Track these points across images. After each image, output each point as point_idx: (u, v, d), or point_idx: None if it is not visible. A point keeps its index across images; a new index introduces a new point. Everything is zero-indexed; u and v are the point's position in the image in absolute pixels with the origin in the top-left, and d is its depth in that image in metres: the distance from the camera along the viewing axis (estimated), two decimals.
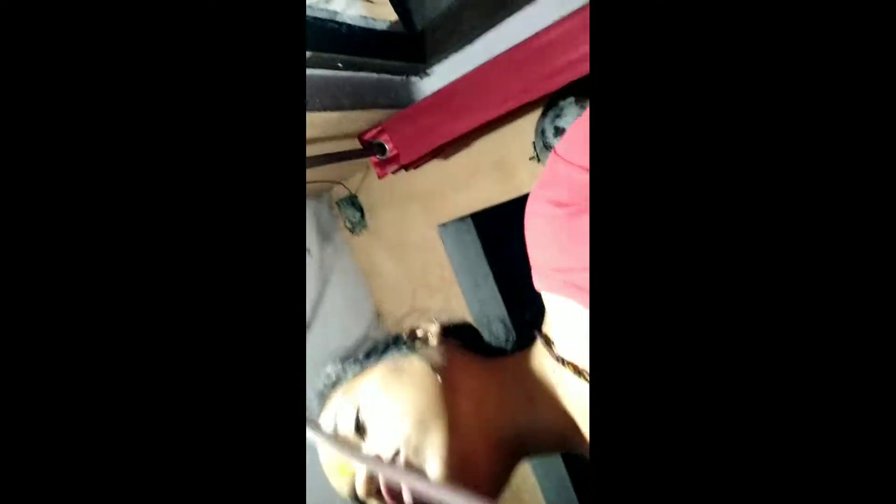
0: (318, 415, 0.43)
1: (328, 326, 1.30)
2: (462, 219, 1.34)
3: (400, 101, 0.99)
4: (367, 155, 1.02)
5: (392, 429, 0.37)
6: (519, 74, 0.80)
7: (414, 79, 1.00)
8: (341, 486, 0.39)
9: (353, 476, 0.38)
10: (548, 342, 0.38)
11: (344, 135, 1.00)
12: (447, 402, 0.38)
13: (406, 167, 1.06)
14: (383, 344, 0.44)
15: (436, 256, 1.31)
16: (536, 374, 0.39)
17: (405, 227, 1.40)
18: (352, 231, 1.46)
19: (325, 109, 0.83)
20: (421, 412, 0.37)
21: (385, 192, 1.36)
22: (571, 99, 0.87)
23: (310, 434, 0.42)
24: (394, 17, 0.95)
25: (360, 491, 0.36)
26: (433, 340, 0.43)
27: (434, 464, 0.35)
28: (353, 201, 1.42)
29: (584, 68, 0.76)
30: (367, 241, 1.46)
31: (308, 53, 0.76)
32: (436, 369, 0.39)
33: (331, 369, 0.45)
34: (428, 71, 0.98)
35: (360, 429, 0.38)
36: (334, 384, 0.43)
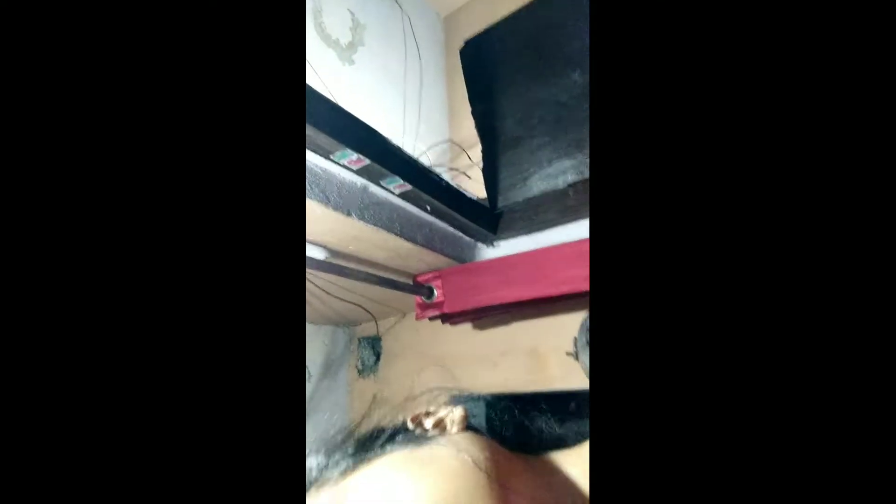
0: None
1: None
2: (476, 398, 1.27)
3: (463, 258, 1.06)
4: (415, 293, 1.06)
5: None
6: (583, 264, 0.87)
7: (481, 245, 1.10)
8: None
9: None
10: None
11: (403, 271, 1.06)
12: (496, 498, 0.29)
13: (445, 318, 1.07)
14: (383, 433, 0.34)
15: None
16: (584, 478, 0.31)
17: (415, 387, 1.33)
18: (360, 373, 1.40)
19: (401, 236, 0.91)
20: None
21: (410, 345, 1.35)
22: None
23: None
24: (483, 195, 1.10)
25: None
26: (454, 429, 0.34)
27: None
28: (373, 344, 1.40)
29: None
30: (370, 389, 1.38)
31: (408, 187, 0.87)
32: (476, 462, 0.30)
33: (313, 462, 0.33)
34: (496, 243, 1.08)
35: None
36: (316, 479, 0.33)
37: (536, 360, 1.10)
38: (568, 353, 1.07)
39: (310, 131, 0.69)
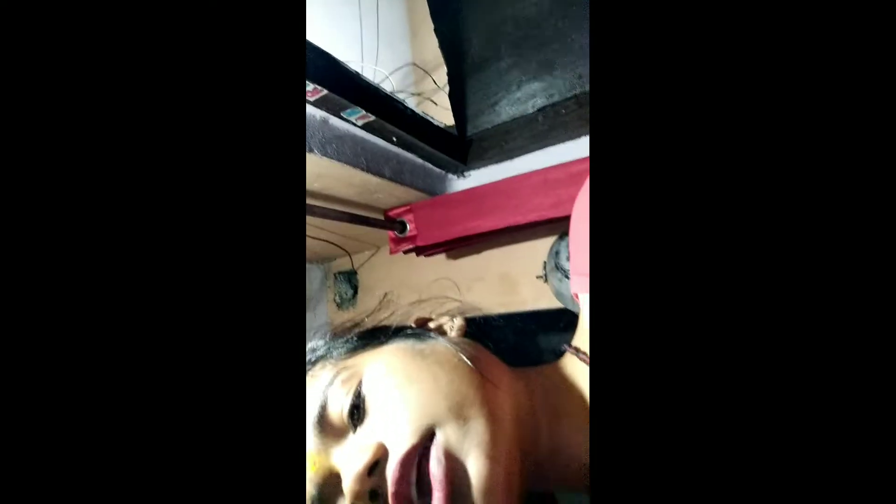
0: None
1: None
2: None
3: (434, 190, 1.05)
4: (387, 228, 1.05)
5: (415, 413, 0.29)
6: (552, 191, 0.87)
7: (451, 175, 1.08)
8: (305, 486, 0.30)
9: (327, 472, 0.30)
10: (580, 353, 0.34)
11: (373, 206, 1.05)
12: (487, 394, 0.31)
13: (419, 251, 1.08)
14: (388, 329, 0.37)
15: None
16: (566, 389, 0.34)
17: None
18: (339, 306, 1.42)
19: (368, 171, 0.88)
20: (457, 397, 0.30)
21: (384, 277, 1.37)
22: None
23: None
24: (451, 122, 1.06)
25: (350, 490, 0.28)
26: (454, 334, 0.37)
27: (480, 461, 0.28)
28: (350, 277, 1.41)
29: None
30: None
31: (371, 118, 0.83)
32: (470, 359, 0.33)
33: (315, 344, 0.37)
34: (466, 173, 1.07)
35: (355, 412, 0.30)
36: (317, 360, 0.35)
37: (508, 284, 1.14)
38: (538, 277, 1.11)
39: None
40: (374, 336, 0.37)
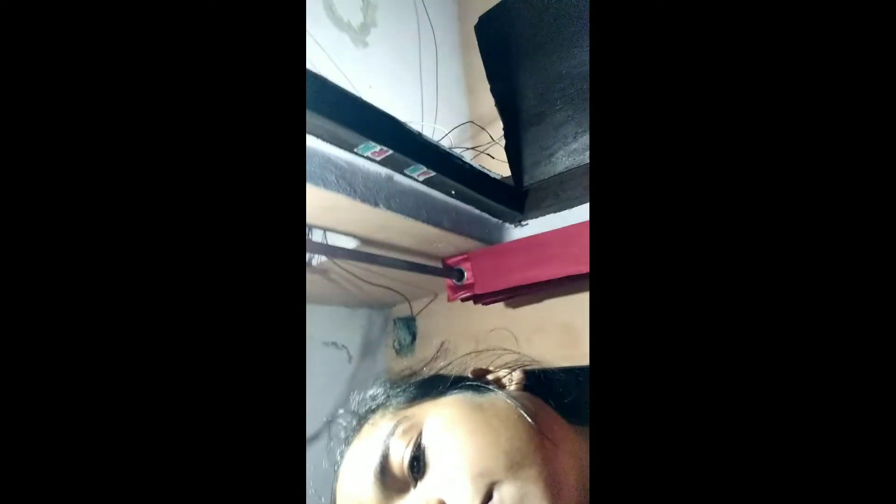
0: (346, 441, 0.36)
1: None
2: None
3: (492, 239, 1.06)
4: (445, 276, 1.07)
5: (473, 470, 0.29)
6: None
7: (509, 225, 1.09)
8: None
9: None
10: None
11: (432, 255, 1.08)
12: (547, 453, 0.31)
13: (477, 299, 1.08)
14: (447, 379, 0.37)
15: None
16: None
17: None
18: (398, 352, 1.44)
19: (427, 222, 0.92)
20: (516, 456, 0.29)
21: (443, 324, 1.37)
22: None
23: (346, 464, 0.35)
24: (507, 174, 1.09)
25: None
26: (513, 387, 0.37)
27: None
28: (409, 324, 1.43)
29: None
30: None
31: (431, 173, 0.87)
32: (530, 415, 0.32)
33: (375, 392, 0.38)
34: (523, 222, 1.08)
35: (415, 464, 0.31)
36: (377, 408, 0.36)
37: (570, 335, 1.11)
38: None
39: (331, 125, 0.70)
40: (433, 386, 0.37)
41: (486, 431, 0.31)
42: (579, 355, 1.08)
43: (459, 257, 1.07)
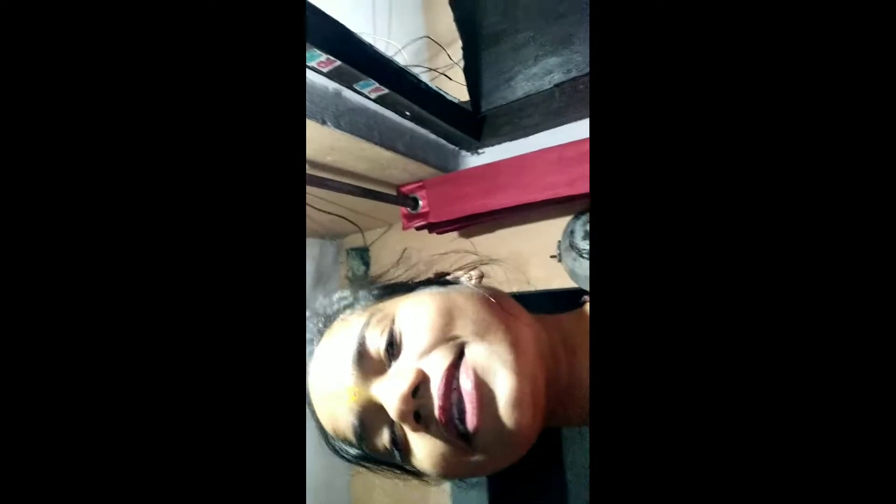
0: (313, 341, 0.38)
1: None
2: None
3: (447, 167, 1.04)
4: (399, 204, 1.05)
5: (446, 336, 0.32)
6: (567, 169, 0.86)
7: (465, 152, 1.07)
8: (345, 418, 0.33)
9: (367, 402, 0.32)
10: None
11: (385, 182, 1.04)
12: (509, 321, 0.33)
13: (431, 227, 1.07)
14: (411, 281, 0.40)
15: None
16: (584, 332, 0.36)
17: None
18: (351, 282, 1.44)
19: (381, 145, 0.88)
20: (482, 323, 0.32)
21: (396, 254, 1.37)
22: None
23: (317, 354, 0.37)
24: (465, 98, 1.04)
25: (397, 410, 0.30)
26: (473, 282, 0.39)
27: (506, 376, 0.31)
28: (362, 254, 1.42)
29: None
30: None
31: (384, 91, 0.82)
32: (490, 294, 0.35)
33: (342, 294, 0.40)
34: (480, 150, 1.05)
35: (391, 348, 0.33)
36: (346, 307, 0.38)
37: (520, 263, 1.13)
38: (552, 256, 1.10)
39: None
40: (398, 287, 0.39)
41: (452, 307, 0.34)
42: (524, 282, 1.11)
43: (414, 185, 1.05)
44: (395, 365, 0.33)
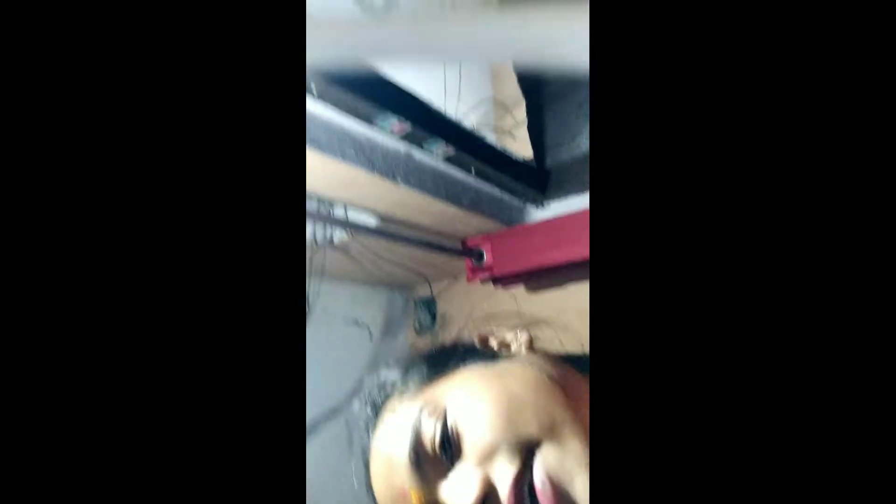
0: (368, 431, 0.36)
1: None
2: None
3: (512, 220, 1.06)
4: (465, 256, 1.07)
5: (509, 439, 0.29)
6: None
7: (530, 206, 1.08)
8: None
9: (432, 502, 0.30)
10: None
11: (452, 235, 1.08)
12: (576, 407, 0.31)
13: (496, 280, 1.08)
14: (456, 351, 0.37)
15: None
16: None
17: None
18: (418, 333, 1.46)
19: (447, 200, 0.92)
20: (547, 416, 0.29)
21: (464, 306, 1.38)
22: None
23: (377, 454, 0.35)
24: (530, 155, 1.07)
25: None
26: (522, 350, 0.36)
27: (583, 478, 0.28)
28: (429, 305, 1.44)
29: None
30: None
31: (452, 151, 0.87)
32: (550, 377, 0.32)
33: (387, 376, 0.37)
34: (545, 203, 1.06)
35: (447, 445, 0.31)
36: (393, 394, 0.36)
37: (586, 320, 1.09)
38: None
39: (351, 98, 0.70)
40: (443, 361, 0.36)
41: (510, 399, 0.31)
42: (577, 342, 1.06)
43: (479, 238, 1.07)
44: (459, 468, 0.30)
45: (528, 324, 0.40)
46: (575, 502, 0.28)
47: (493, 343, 0.38)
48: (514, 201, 1.07)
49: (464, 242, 1.09)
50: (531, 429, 0.29)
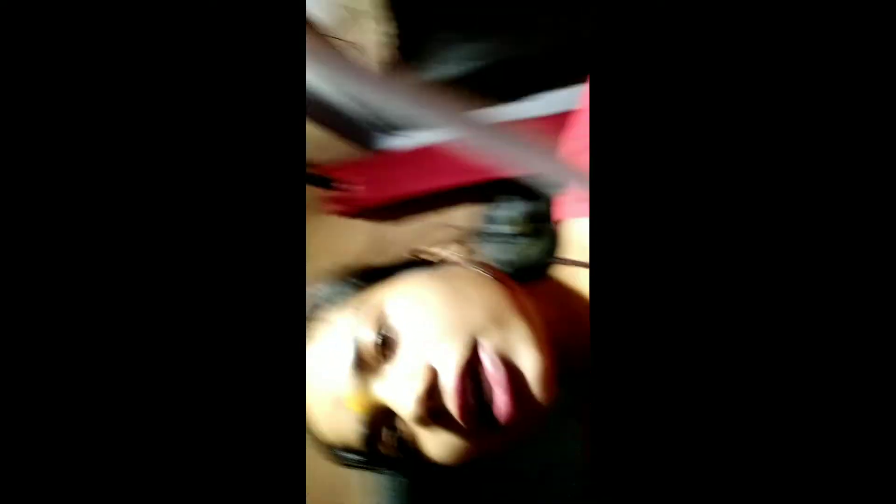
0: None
1: None
2: None
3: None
4: (316, 185, 0.97)
5: (457, 329, 0.29)
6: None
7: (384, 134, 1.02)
8: (347, 426, 0.30)
9: (373, 407, 0.29)
10: (567, 260, 0.37)
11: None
12: (516, 300, 0.32)
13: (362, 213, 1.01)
14: (392, 265, 0.37)
15: None
16: (574, 296, 0.36)
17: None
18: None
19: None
20: (493, 308, 0.31)
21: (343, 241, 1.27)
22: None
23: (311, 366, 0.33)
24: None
25: (414, 413, 0.28)
26: (461, 259, 0.38)
27: (531, 354, 0.29)
28: None
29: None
30: None
31: None
32: (493, 278, 0.34)
33: (318, 289, 0.36)
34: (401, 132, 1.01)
35: (386, 345, 0.30)
36: (325, 303, 0.35)
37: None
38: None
39: None
40: (378, 275, 0.36)
41: (457, 294, 0.32)
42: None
43: (334, 165, 0.97)
44: (397, 362, 0.30)
45: (462, 238, 0.43)
46: (525, 378, 0.30)
47: (429, 256, 0.39)
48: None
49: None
50: (476, 316, 0.30)
